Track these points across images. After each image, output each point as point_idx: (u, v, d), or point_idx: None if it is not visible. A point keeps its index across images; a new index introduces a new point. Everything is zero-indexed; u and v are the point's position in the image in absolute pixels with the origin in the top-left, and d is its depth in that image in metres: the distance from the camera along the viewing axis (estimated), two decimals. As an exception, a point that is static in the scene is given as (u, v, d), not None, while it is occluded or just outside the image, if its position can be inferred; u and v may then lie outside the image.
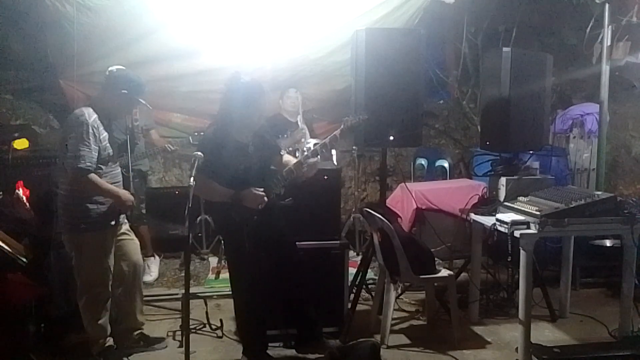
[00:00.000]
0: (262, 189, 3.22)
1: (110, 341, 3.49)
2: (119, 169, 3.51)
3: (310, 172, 3.33)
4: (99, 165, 3.27)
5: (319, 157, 3.32)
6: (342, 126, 3.37)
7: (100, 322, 3.41)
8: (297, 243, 3.55)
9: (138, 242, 3.68)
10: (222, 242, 3.78)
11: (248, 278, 3.32)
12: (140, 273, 3.72)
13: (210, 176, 3.17)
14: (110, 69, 3.34)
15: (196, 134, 4.56)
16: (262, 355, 3.43)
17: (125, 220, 3.59)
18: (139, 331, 3.70)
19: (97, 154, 3.22)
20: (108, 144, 3.34)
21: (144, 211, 4.99)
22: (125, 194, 3.37)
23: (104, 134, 3.30)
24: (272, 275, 3.35)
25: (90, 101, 3.41)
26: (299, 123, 5.23)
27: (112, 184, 3.37)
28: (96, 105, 3.32)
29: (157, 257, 5.15)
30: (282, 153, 3.51)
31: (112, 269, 3.45)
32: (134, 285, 3.62)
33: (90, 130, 3.19)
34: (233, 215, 3.22)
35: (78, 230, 3.31)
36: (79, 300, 3.41)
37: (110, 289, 3.47)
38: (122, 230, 3.55)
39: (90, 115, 3.24)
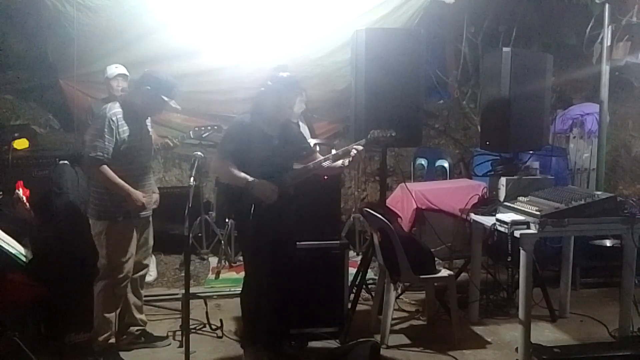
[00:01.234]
0: (275, 184, 3.25)
1: (112, 339, 3.49)
2: (145, 168, 3.52)
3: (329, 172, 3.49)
4: (117, 159, 3.29)
5: (347, 160, 3.35)
6: (368, 136, 3.38)
7: (108, 315, 3.42)
8: (297, 243, 3.56)
9: (152, 245, 3.70)
10: (236, 227, 3.93)
11: (261, 267, 3.32)
12: (144, 275, 3.72)
13: (231, 160, 3.25)
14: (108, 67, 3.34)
15: (196, 128, 4.53)
16: (263, 355, 3.43)
17: (150, 219, 3.62)
18: (140, 328, 3.71)
19: (112, 146, 3.26)
20: (129, 139, 3.34)
21: None
22: (136, 194, 3.36)
23: (125, 128, 3.31)
24: (276, 274, 3.35)
25: (121, 97, 3.45)
26: (300, 123, 5.23)
27: (139, 171, 3.42)
28: (125, 102, 3.40)
29: (153, 257, 5.15)
30: (312, 154, 3.53)
31: (133, 261, 3.47)
32: (134, 285, 3.62)
33: (107, 123, 3.24)
34: (250, 199, 3.24)
35: (97, 216, 3.38)
36: (95, 286, 3.42)
37: (127, 283, 3.49)
38: (148, 229, 3.59)
39: (112, 108, 3.30)
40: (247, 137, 3.27)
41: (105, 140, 3.24)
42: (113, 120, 3.26)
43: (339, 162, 3.37)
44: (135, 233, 3.46)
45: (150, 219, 3.63)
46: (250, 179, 3.22)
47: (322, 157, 3.44)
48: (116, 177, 3.29)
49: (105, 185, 3.31)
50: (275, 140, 3.34)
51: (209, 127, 4.49)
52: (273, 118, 3.34)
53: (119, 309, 3.50)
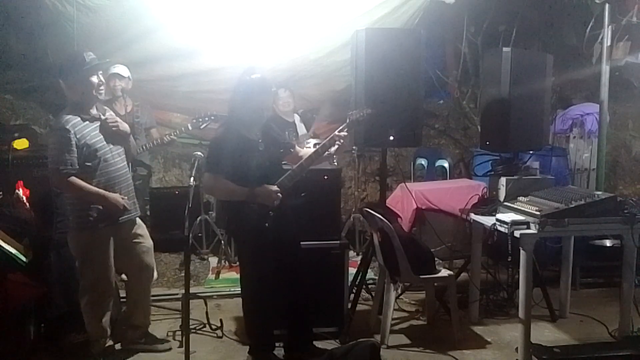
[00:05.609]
0: (275, 186, 3.24)
1: (110, 341, 3.48)
2: (123, 164, 3.41)
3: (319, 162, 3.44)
4: (86, 164, 3.23)
5: (333, 147, 3.35)
6: (347, 120, 3.40)
7: (101, 322, 3.41)
8: (299, 243, 3.56)
9: (151, 244, 3.63)
10: (235, 240, 3.77)
11: (261, 277, 3.31)
12: (149, 276, 3.62)
13: (224, 175, 3.19)
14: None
15: (194, 120, 4.52)
16: (270, 355, 3.43)
17: (141, 223, 3.59)
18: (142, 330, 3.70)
19: (75, 155, 3.19)
20: (94, 140, 3.26)
21: (148, 212, 4.96)
22: (114, 197, 3.29)
23: (86, 130, 3.24)
24: (279, 275, 3.35)
25: (66, 105, 3.34)
26: (296, 122, 5.23)
27: (110, 180, 3.31)
28: (71, 105, 3.29)
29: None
30: (294, 149, 3.52)
31: (113, 269, 3.43)
32: (138, 287, 3.59)
33: (64, 134, 3.17)
34: (250, 212, 3.22)
35: (74, 229, 3.33)
36: (80, 299, 3.40)
37: (112, 289, 3.46)
38: (136, 232, 3.52)
39: (69, 120, 3.21)
40: (234, 148, 3.20)
41: (64, 152, 3.17)
42: (68, 129, 3.18)
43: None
44: (112, 241, 3.39)
45: (138, 220, 3.56)
46: (249, 189, 3.18)
47: (308, 152, 3.44)
48: (86, 184, 3.23)
49: (79, 196, 3.25)
50: (261, 144, 3.31)
51: (207, 118, 4.48)
52: (251, 122, 3.30)
53: (109, 312, 3.45)
